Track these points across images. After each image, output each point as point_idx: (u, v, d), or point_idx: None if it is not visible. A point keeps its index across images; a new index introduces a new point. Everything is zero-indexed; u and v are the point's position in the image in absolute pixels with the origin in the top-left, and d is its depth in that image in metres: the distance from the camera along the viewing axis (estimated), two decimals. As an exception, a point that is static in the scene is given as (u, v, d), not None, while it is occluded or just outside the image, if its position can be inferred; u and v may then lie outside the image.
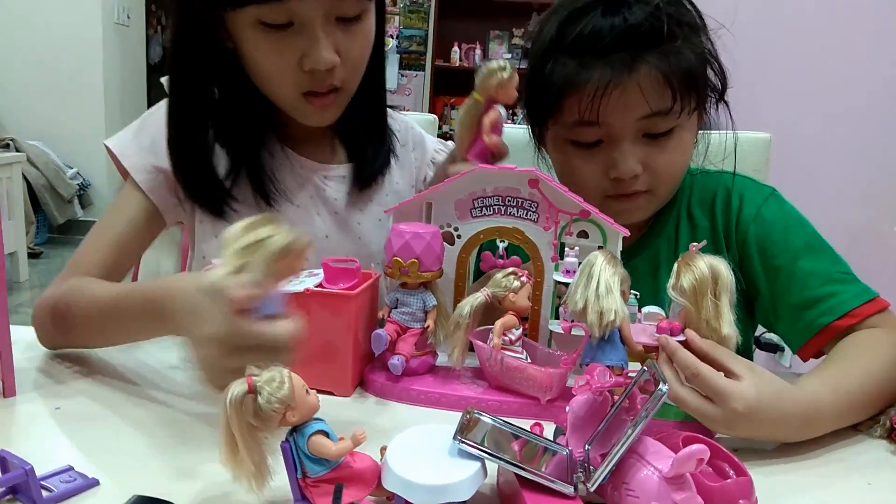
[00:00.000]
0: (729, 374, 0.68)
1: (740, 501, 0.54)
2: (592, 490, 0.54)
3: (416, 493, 0.53)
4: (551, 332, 0.83)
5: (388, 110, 1.10)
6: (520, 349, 0.79)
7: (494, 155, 0.86)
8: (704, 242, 0.73)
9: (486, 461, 0.55)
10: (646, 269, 0.98)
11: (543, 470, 0.55)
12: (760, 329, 1.05)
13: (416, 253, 0.78)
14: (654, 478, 0.52)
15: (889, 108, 1.91)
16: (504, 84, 0.83)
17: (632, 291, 0.79)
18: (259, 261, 0.59)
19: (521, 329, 0.79)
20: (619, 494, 0.54)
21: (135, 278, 1.26)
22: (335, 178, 1.06)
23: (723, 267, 0.69)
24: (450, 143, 1.23)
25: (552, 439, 0.62)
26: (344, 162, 1.08)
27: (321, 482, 0.53)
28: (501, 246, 0.88)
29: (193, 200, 0.99)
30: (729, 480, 0.57)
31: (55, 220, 4.64)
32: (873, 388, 0.77)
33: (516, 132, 0.86)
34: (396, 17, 5.69)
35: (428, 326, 0.80)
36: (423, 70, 5.74)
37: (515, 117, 1.63)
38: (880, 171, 1.91)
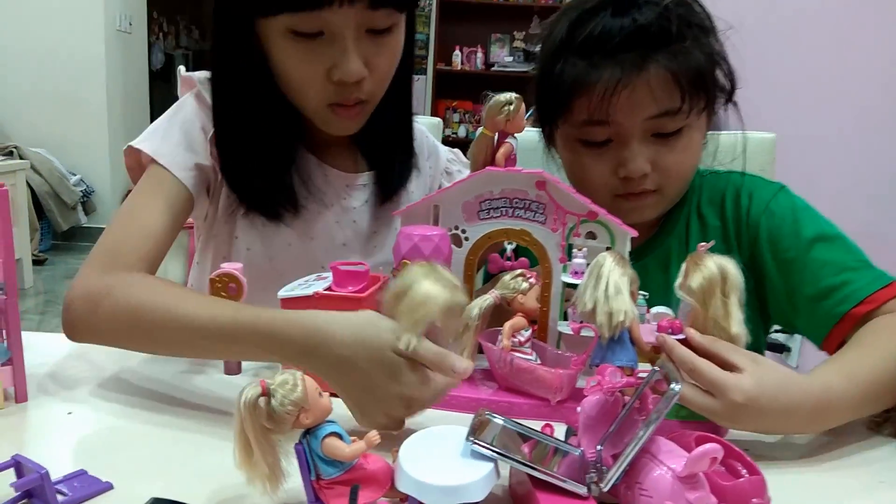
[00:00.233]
0: (731, 367, 0.68)
1: (753, 500, 0.54)
2: (606, 490, 0.55)
3: (430, 495, 0.53)
4: (560, 333, 0.83)
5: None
6: (529, 351, 0.79)
7: None
8: (713, 242, 0.73)
9: (499, 462, 0.56)
10: (656, 268, 0.99)
11: (556, 470, 0.55)
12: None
13: (424, 255, 0.78)
14: (668, 477, 0.52)
15: (894, 108, 1.92)
16: (511, 117, 0.84)
17: (641, 292, 0.79)
18: (422, 321, 0.63)
19: (530, 330, 0.79)
20: (632, 494, 0.54)
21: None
22: (357, 188, 1.07)
23: (731, 266, 0.69)
24: (458, 151, 1.24)
25: (563, 440, 0.62)
26: (365, 171, 1.08)
27: (335, 484, 0.54)
28: (509, 248, 0.89)
29: (243, 202, 0.99)
30: (742, 479, 0.57)
31: (59, 226, 4.65)
32: (891, 374, 0.75)
33: (523, 134, 0.86)
34: (397, 22, 5.70)
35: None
36: (425, 74, 5.75)
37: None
38: (886, 171, 1.91)
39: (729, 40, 0.93)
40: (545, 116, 0.99)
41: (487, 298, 0.78)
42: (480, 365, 0.82)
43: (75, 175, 4.81)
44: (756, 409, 0.67)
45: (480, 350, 0.80)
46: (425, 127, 1.24)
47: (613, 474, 0.54)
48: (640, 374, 0.62)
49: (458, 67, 5.75)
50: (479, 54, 5.74)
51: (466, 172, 1.17)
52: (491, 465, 0.55)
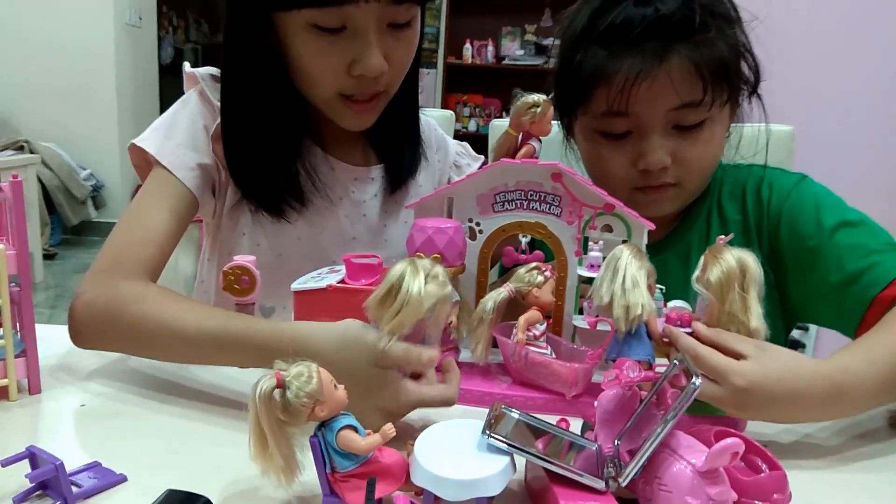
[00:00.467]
0: (737, 356, 0.67)
1: (774, 495, 0.54)
2: (624, 485, 0.54)
3: (446, 489, 0.52)
4: (575, 327, 0.82)
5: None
6: (544, 344, 0.78)
7: None
8: (732, 235, 0.72)
9: (515, 456, 0.55)
10: (677, 263, 0.98)
11: (572, 465, 0.54)
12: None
13: (438, 248, 0.77)
14: (688, 472, 0.51)
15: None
16: (538, 119, 0.83)
17: (658, 286, 0.79)
18: (408, 322, 0.62)
19: (545, 324, 0.79)
20: (651, 490, 0.54)
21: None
22: (366, 181, 1.06)
23: (751, 260, 0.68)
24: (467, 144, 1.23)
25: (580, 435, 0.61)
26: (375, 164, 1.07)
27: (350, 477, 0.53)
28: (524, 241, 0.88)
29: (249, 197, 0.98)
30: (762, 474, 0.56)
31: (69, 221, 4.68)
32: None
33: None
34: (407, 16, 5.68)
35: (451, 322, 0.80)
36: (435, 68, 5.73)
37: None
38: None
39: (753, 32, 0.92)
40: (564, 107, 0.97)
41: (502, 292, 0.78)
42: (495, 359, 0.82)
43: (85, 169, 4.83)
44: (762, 393, 0.65)
45: (495, 344, 0.80)
46: (437, 120, 1.23)
47: (632, 469, 0.53)
48: (659, 369, 0.61)
49: (469, 61, 5.72)
50: (490, 47, 5.70)
51: (476, 165, 1.17)
52: (507, 459, 0.54)
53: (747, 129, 0.99)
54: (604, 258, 0.71)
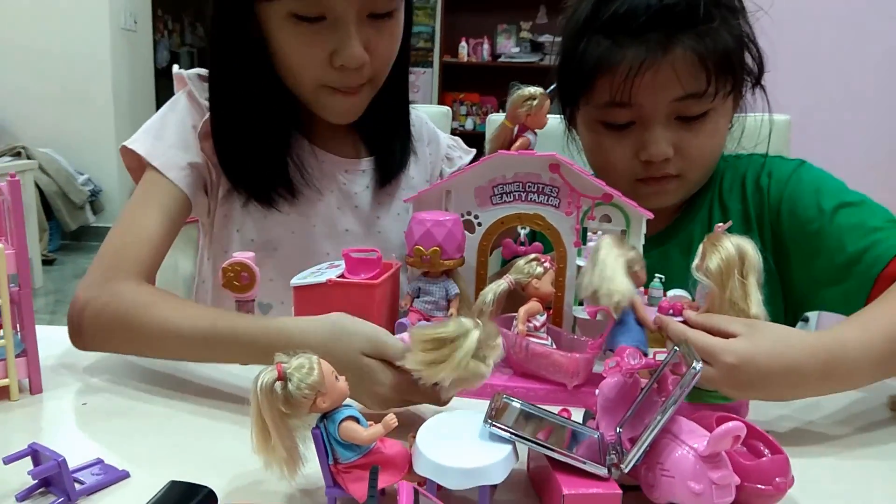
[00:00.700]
0: (728, 336, 0.66)
1: (777, 479, 0.54)
2: (626, 471, 0.54)
3: (449, 477, 0.52)
4: (575, 317, 0.83)
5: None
6: (545, 335, 0.78)
7: None
8: (730, 223, 0.72)
9: (518, 444, 0.55)
10: (679, 254, 0.98)
11: (575, 453, 0.54)
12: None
13: (437, 241, 0.77)
14: (690, 457, 0.51)
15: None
16: (534, 111, 0.83)
17: (657, 275, 0.79)
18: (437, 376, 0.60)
19: (545, 315, 0.79)
20: (653, 475, 0.54)
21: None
22: (357, 173, 1.06)
23: (749, 247, 0.68)
24: (458, 138, 1.23)
25: (582, 424, 0.61)
26: (365, 157, 1.08)
27: (353, 468, 0.53)
28: (523, 233, 0.88)
29: (238, 188, 0.98)
30: (764, 458, 0.56)
31: (67, 226, 4.67)
32: None
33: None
34: (402, 15, 5.69)
35: (451, 314, 0.80)
36: (431, 66, 5.73)
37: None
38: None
39: (764, 25, 0.92)
40: (567, 97, 0.97)
41: (502, 283, 0.78)
42: (495, 351, 0.81)
43: (83, 174, 4.82)
44: (754, 368, 0.64)
45: (495, 336, 0.80)
46: (434, 118, 1.23)
47: (634, 455, 0.53)
48: (660, 356, 0.61)
49: (465, 59, 5.72)
50: (486, 45, 5.70)
51: (467, 158, 1.17)
52: (509, 448, 0.54)
53: (748, 119, 0.99)
54: (602, 248, 0.72)
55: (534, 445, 0.55)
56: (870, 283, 0.83)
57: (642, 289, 0.76)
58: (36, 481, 0.56)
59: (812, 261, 0.90)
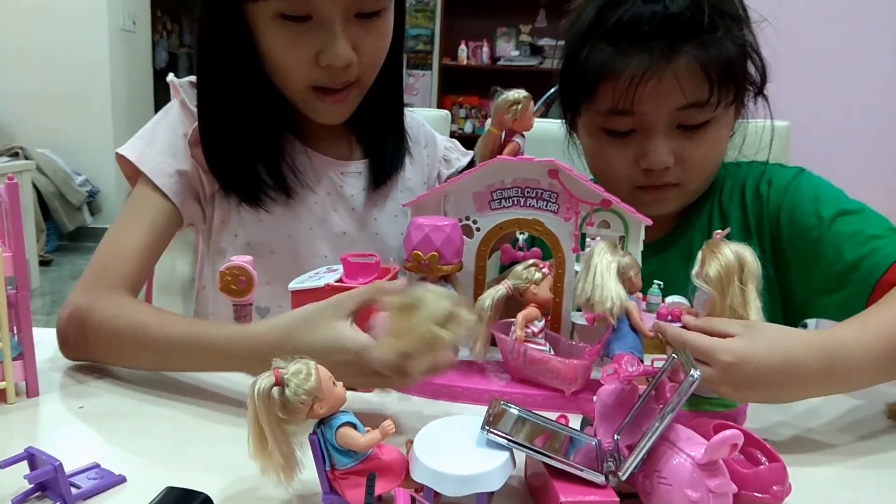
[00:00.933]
0: (726, 336, 0.66)
1: (774, 487, 0.54)
2: (623, 479, 0.54)
3: (446, 484, 0.52)
4: (573, 323, 0.83)
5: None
6: (542, 341, 0.78)
7: None
8: (728, 230, 0.72)
9: (515, 451, 0.55)
10: (679, 261, 0.98)
11: (572, 460, 0.54)
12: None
13: (435, 246, 0.77)
14: (687, 465, 0.51)
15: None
16: (519, 115, 0.83)
17: (656, 282, 0.79)
18: (416, 329, 0.60)
19: (543, 321, 0.79)
20: (650, 483, 0.54)
21: (150, 282, 1.26)
22: (352, 175, 1.06)
23: (748, 253, 0.68)
24: (455, 140, 1.23)
25: (579, 430, 0.61)
26: (360, 159, 1.08)
27: (350, 474, 0.53)
28: (521, 238, 0.88)
29: (227, 189, 0.98)
30: (762, 466, 0.56)
31: (65, 227, 4.66)
32: None
33: (538, 126, 0.86)
34: (401, 18, 5.69)
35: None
36: (430, 69, 5.74)
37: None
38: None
39: (762, 32, 0.92)
40: (569, 102, 0.97)
41: (500, 289, 0.78)
42: (494, 356, 0.81)
43: (80, 175, 4.82)
44: (751, 366, 0.64)
45: (493, 342, 0.80)
46: (432, 121, 1.24)
47: (632, 462, 0.53)
48: (658, 363, 0.61)
49: (464, 62, 5.73)
50: (485, 48, 5.71)
51: (465, 160, 1.18)
52: (507, 455, 0.54)
53: (748, 126, 0.99)
54: (601, 254, 0.72)
55: (531, 452, 0.54)
56: (868, 291, 0.83)
57: (640, 295, 0.76)
58: (32, 485, 0.56)
59: (811, 268, 0.91)
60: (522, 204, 0.82)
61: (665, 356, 0.68)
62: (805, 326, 1.65)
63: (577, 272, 0.81)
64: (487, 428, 0.55)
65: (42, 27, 4.66)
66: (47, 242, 4.58)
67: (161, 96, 5.52)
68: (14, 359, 0.75)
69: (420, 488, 0.54)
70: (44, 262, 4.36)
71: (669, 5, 0.85)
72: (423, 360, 0.63)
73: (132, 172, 0.98)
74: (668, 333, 0.69)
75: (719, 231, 0.71)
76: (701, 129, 0.90)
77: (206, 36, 0.95)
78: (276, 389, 0.51)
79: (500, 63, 5.68)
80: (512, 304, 0.79)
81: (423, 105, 5.65)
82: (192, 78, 1.02)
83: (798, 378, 0.66)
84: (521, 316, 0.77)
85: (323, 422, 0.53)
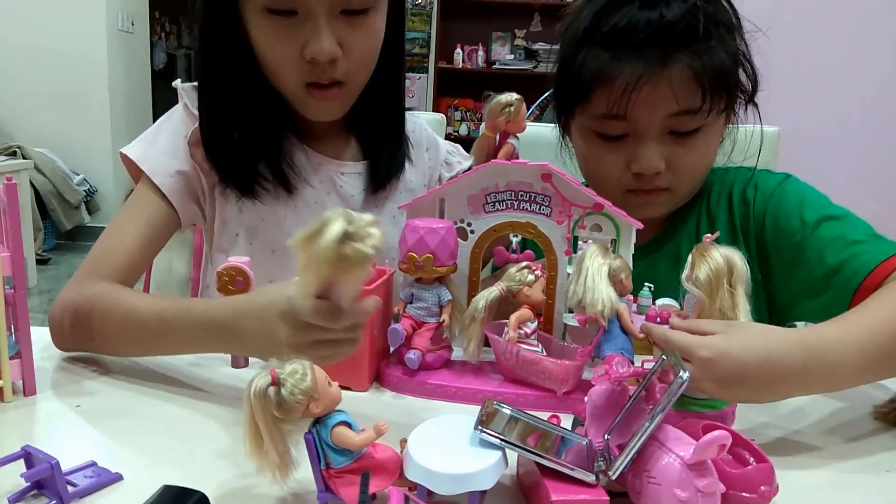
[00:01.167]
0: (707, 335, 0.67)
1: (761, 487, 0.55)
2: (614, 478, 0.55)
3: (440, 483, 0.53)
4: (566, 325, 0.83)
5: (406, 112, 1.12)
6: (535, 342, 0.79)
7: None
8: (718, 234, 0.73)
9: (507, 450, 0.56)
10: (667, 264, 0.99)
11: (563, 459, 0.55)
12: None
13: (430, 248, 0.78)
14: (676, 465, 0.52)
15: (896, 103, 1.92)
16: (512, 118, 0.84)
17: (647, 284, 0.80)
18: (322, 258, 0.58)
19: (536, 322, 0.80)
20: (640, 482, 0.54)
21: (147, 279, 1.27)
22: (351, 175, 1.07)
23: (737, 257, 0.69)
24: (458, 145, 1.24)
25: (570, 430, 0.62)
26: (360, 159, 1.09)
27: (345, 473, 0.54)
28: (515, 241, 0.89)
29: (227, 182, 1.00)
30: (750, 467, 0.57)
31: (63, 226, 4.66)
32: None
33: (530, 129, 0.87)
34: (398, 20, 5.70)
35: (443, 321, 0.80)
36: (426, 72, 5.75)
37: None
38: (891, 165, 1.91)
39: (754, 40, 0.92)
40: (563, 105, 0.98)
41: (493, 290, 0.79)
42: (487, 357, 0.82)
43: (78, 175, 4.82)
44: (730, 361, 0.64)
45: (487, 342, 0.81)
46: (429, 123, 1.24)
47: (622, 462, 0.54)
48: (648, 364, 0.62)
49: (460, 65, 5.75)
50: (481, 52, 5.73)
51: (467, 164, 1.18)
52: (499, 454, 0.55)
53: (738, 132, 1.00)
54: (593, 257, 0.73)
55: (523, 452, 0.55)
56: (849, 296, 0.84)
57: (630, 297, 0.77)
58: (29, 484, 0.57)
59: (794, 272, 0.92)
60: (516, 207, 0.83)
61: (652, 357, 0.69)
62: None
63: (569, 274, 0.82)
64: (480, 427, 0.56)
65: (41, 27, 4.66)
66: (45, 241, 4.58)
67: (159, 97, 5.52)
68: (11, 357, 0.75)
69: (413, 487, 0.54)
70: (41, 261, 4.35)
71: (666, 13, 0.86)
72: (344, 288, 0.61)
73: (136, 172, 1.00)
74: (653, 333, 0.70)
75: (709, 235, 0.72)
76: (692, 136, 0.91)
77: (206, 35, 0.97)
78: (272, 389, 0.52)
79: (495, 67, 5.70)
80: (505, 305, 0.80)
81: (418, 108, 5.67)
82: (196, 83, 1.03)
83: (779, 373, 0.66)
84: (514, 317, 0.78)
85: (318, 421, 0.54)
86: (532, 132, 0.87)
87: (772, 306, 0.97)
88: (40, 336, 0.87)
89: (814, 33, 2.03)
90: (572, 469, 0.54)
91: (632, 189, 0.93)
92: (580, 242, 0.81)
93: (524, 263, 0.81)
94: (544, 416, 0.63)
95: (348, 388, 0.79)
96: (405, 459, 0.55)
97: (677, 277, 0.72)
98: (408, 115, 1.14)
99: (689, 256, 0.71)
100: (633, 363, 0.65)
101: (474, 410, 0.60)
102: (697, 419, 0.62)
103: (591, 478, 0.54)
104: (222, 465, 0.62)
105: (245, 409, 0.53)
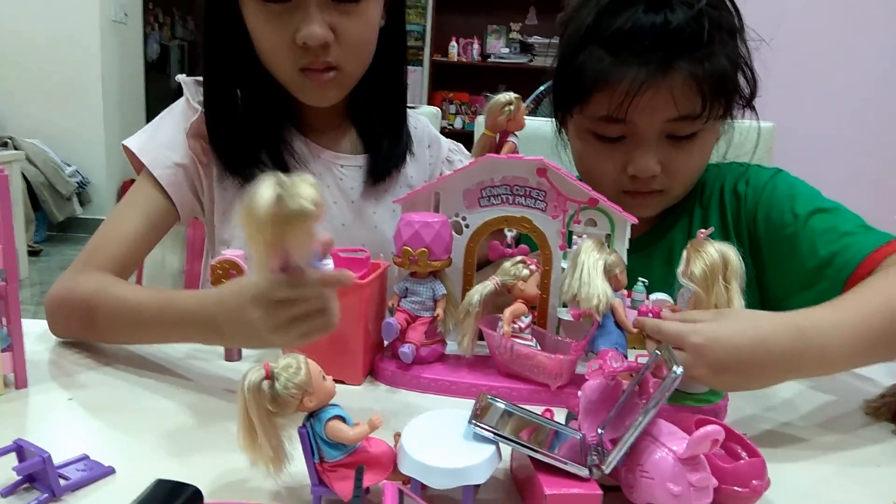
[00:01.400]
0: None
1: (753, 482, 0.55)
2: (607, 472, 0.55)
3: (434, 477, 0.53)
4: (560, 319, 0.84)
5: (409, 110, 1.13)
6: (529, 337, 0.79)
7: None
8: (712, 229, 0.73)
9: (501, 445, 0.56)
10: (660, 259, 0.99)
11: (557, 453, 0.55)
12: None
13: (425, 242, 0.78)
14: (669, 459, 0.52)
15: (892, 99, 1.93)
16: (512, 116, 0.85)
17: (641, 279, 0.80)
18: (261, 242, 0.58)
19: (530, 317, 0.80)
20: (633, 476, 0.55)
21: (139, 273, 1.27)
22: (351, 168, 1.08)
23: (732, 252, 0.69)
24: (461, 144, 1.24)
25: (564, 425, 0.62)
26: (360, 152, 1.09)
27: (338, 467, 0.54)
28: (510, 235, 0.89)
29: (229, 170, 1.01)
30: (742, 461, 0.57)
31: (54, 217, 4.63)
32: (891, 305, 0.71)
33: (529, 123, 0.87)
34: (394, 13, 5.68)
35: (438, 315, 0.81)
36: (421, 65, 5.73)
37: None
38: (883, 161, 1.92)
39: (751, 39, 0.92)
40: (561, 103, 0.98)
41: (488, 285, 0.79)
42: (481, 351, 0.82)
43: (70, 166, 4.79)
44: (721, 346, 0.64)
45: (481, 336, 0.81)
46: (423, 116, 1.24)
47: (615, 456, 0.54)
48: (641, 359, 0.62)
49: (455, 58, 5.73)
50: (476, 45, 5.71)
51: (467, 163, 1.19)
52: (493, 448, 0.55)
53: (733, 129, 1.00)
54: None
55: (517, 446, 0.55)
56: (840, 287, 0.84)
57: (625, 292, 0.77)
58: (20, 477, 0.57)
59: (786, 265, 0.92)
60: (511, 202, 0.83)
61: (644, 350, 0.69)
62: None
63: (563, 269, 0.82)
64: (474, 422, 0.56)
65: (33, 18, 4.62)
66: (36, 232, 4.56)
67: (152, 88, 5.50)
68: (3, 350, 0.75)
69: (407, 481, 0.55)
70: (33, 253, 4.33)
71: (671, 18, 0.85)
72: (296, 252, 0.60)
73: (138, 164, 1.01)
74: (646, 327, 0.70)
75: (703, 230, 0.72)
76: (689, 139, 0.91)
77: (208, 27, 0.98)
78: (265, 383, 0.52)
79: (490, 60, 5.69)
80: (499, 299, 0.80)
81: (413, 100, 5.64)
82: (198, 77, 1.05)
83: (770, 356, 0.66)
84: (508, 311, 0.78)
85: (312, 415, 0.54)
86: (528, 126, 0.87)
87: (765, 301, 0.97)
88: (32, 329, 0.87)
89: (808, 30, 2.03)
90: (566, 463, 0.55)
91: (627, 190, 0.94)
92: (575, 237, 0.81)
93: (519, 258, 0.81)
94: (538, 410, 0.63)
95: (342, 382, 0.79)
96: (399, 453, 0.55)
97: (671, 272, 0.72)
98: (411, 112, 1.15)
99: (684, 252, 0.71)
100: (626, 358, 0.65)
101: (468, 404, 0.60)
102: (690, 413, 0.62)
103: (584, 472, 0.55)
104: (216, 458, 0.62)
105: (239, 402, 0.53)
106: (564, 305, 0.84)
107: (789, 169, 1.01)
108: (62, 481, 0.57)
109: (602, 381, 0.60)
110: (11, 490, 0.56)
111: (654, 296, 0.78)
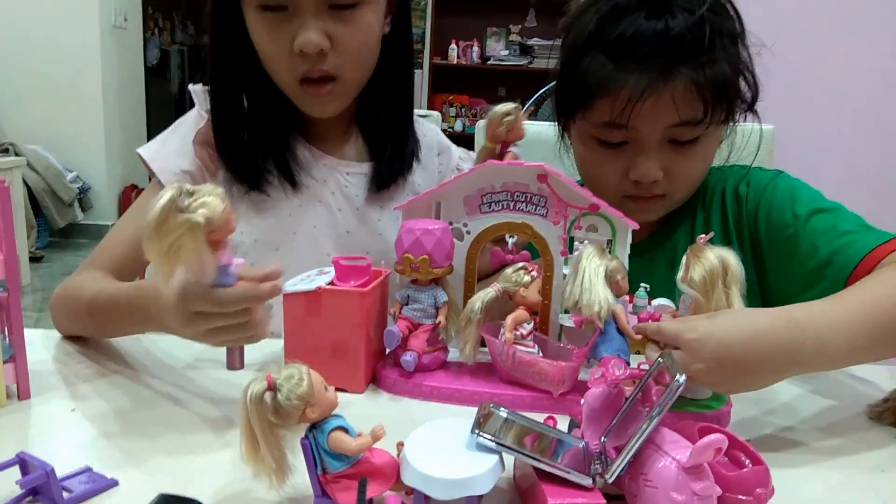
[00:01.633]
0: None
1: (757, 490, 0.55)
2: (610, 481, 0.55)
3: (436, 488, 0.53)
4: (562, 326, 0.83)
5: (418, 118, 1.14)
6: (531, 343, 0.79)
7: None
8: (712, 234, 0.73)
9: (504, 454, 0.56)
10: (663, 263, 0.99)
11: (560, 462, 0.55)
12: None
13: (426, 249, 0.78)
14: (673, 468, 0.52)
15: (892, 102, 1.92)
16: (512, 126, 0.85)
17: (643, 284, 0.80)
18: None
19: (532, 323, 0.80)
20: (636, 485, 0.54)
21: (142, 277, 1.27)
22: (356, 175, 1.09)
23: (732, 257, 0.69)
24: (471, 152, 1.24)
25: (567, 432, 0.62)
26: (366, 160, 1.10)
27: (341, 478, 0.54)
28: (511, 241, 0.89)
29: (235, 177, 1.02)
30: (745, 469, 0.57)
31: (56, 223, 4.64)
32: (891, 298, 0.71)
33: (530, 128, 0.87)
34: (393, 16, 5.69)
35: (439, 322, 0.80)
36: (421, 68, 5.74)
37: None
38: (884, 164, 1.92)
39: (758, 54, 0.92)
40: (563, 108, 0.98)
41: (489, 292, 0.79)
42: (483, 358, 0.82)
43: (71, 172, 4.80)
44: (716, 340, 0.64)
45: (483, 343, 0.81)
46: (434, 125, 1.26)
47: (618, 465, 0.54)
48: (644, 367, 0.62)
49: (455, 61, 5.73)
50: (475, 48, 5.72)
51: None
52: (496, 458, 0.55)
53: (735, 133, 1.00)
54: (589, 258, 0.73)
55: (520, 456, 0.55)
56: (841, 285, 0.83)
57: (627, 297, 0.77)
58: (24, 490, 0.56)
59: (787, 266, 0.92)
60: (512, 208, 0.83)
61: (643, 356, 0.69)
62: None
63: (565, 275, 0.82)
64: (478, 431, 0.56)
65: (34, 23, 4.64)
66: (38, 239, 4.56)
67: (152, 93, 5.51)
68: (5, 361, 0.75)
69: (410, 491, 0.54)
70: (34, 259, 4.34)
71: (672, 24, 0.85)
72: (196, 264, 0.62)
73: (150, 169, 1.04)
74: (647, 330, 0.70)
75: (703, 235, 0.72)
76: (691, 145, 0.91)
77: (215, 36, 1.00)
78: (268, 394, 0.52)
79: (489, 62, 5.69)
80: (501, 306, 0.80)
81: (413, 103, 5.64)
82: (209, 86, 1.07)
83: (767, 349, 0.65)
84: (510, 318, 0.78)
85: (315, 426, 0.54)
86: (529, 131, 0.87)
87: (767, 302, 0.97)
88: (35, 337, 0.87)
89: (808, 32, 2.03)
90: (569, 472, 0.54)
91: (629, 195, 0.94)
92: (576, 243, 0.81)
93: (520, 264, 0.81)
94: (541, 417, 0.63)
95: (344, 390, 0.79)
96: (402, 464, 0.55)
97: (674, 277, 0.72)
98: (423, 121, 1.16)
99: (684, 258, 0.71)
100: (629, 365, 0.65)
101: (471, 412, 0.60)
102: (693, 420, 0.62)
103: (587, 481, 0.54)
104: (218, 470, 0.62)
105: (241, 414, 0.53)
106: (566, 312, 0.84)
107: (790, 171, 1.01)
108: (65, 494, 0.57)
109: (604, 388, 0.60)
110: (15, 503, 0.56)
111: (656, 301, 0.78)
